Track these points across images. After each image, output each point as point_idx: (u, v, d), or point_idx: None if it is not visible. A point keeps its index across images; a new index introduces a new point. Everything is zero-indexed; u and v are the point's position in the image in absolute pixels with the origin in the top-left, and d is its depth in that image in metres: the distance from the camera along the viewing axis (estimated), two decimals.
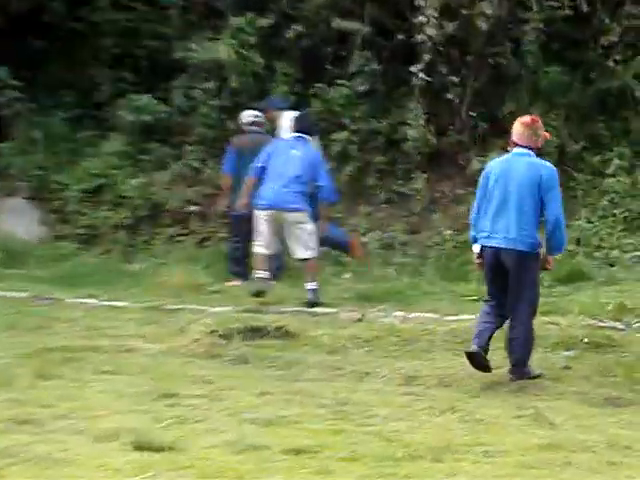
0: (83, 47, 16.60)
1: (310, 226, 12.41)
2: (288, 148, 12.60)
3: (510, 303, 9.18)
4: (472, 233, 9.46)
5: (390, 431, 7.33)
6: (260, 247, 12.47)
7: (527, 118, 9.44)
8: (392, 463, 6.54)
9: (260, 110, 14.32)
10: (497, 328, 9.29)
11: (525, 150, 9.20)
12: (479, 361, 9.06)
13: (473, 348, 9.09)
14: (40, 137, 16.10)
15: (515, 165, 9.16)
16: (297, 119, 13.08)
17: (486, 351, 9.14)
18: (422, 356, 10.05)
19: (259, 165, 12.58)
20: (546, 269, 9.56)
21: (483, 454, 6.81)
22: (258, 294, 12.27)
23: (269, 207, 12.28)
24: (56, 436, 6.95)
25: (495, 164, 9.45)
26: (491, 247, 9.19)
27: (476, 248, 9.36)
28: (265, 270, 12.38)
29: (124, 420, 7.36)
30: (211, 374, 9.12)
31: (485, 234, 9.23)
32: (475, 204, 9.42)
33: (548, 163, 9.46)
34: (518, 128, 9.30)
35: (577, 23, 15.53)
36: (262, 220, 12.35)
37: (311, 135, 12.96)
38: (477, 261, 9.54)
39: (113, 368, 9.20)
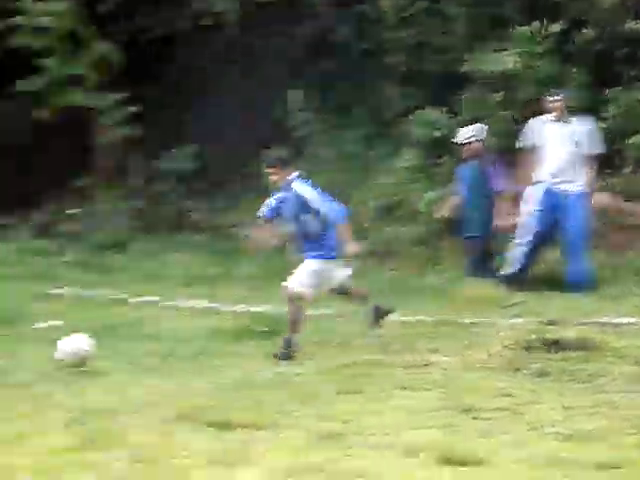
0: (372, 66, 16.77)
1: None
2: None
3: None
4: None
5: None
6: None
7: None
8: None
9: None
10: None
11: None
12: None
13: None
14: (333, 156, 16.36)
15: None
16: None
17: None
18: None
19: None
20: None
21: None
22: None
23: None
24: (361, 451, 7.03)
25: None
26: None
27: None
28: None
29: (426, 435, 7.37)
30: (510, 387, 9.00)
31: None
32: None
33: None
34: None
35: None
36: None
37: None
38: None
39: (411, 383, 9.21)
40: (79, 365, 9.74)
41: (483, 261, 13.88)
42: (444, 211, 14.13)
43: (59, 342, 9.86)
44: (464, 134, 13.43)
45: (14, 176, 17.31)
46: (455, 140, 13.68)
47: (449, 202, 13.92)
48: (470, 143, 13.42)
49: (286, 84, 16.43)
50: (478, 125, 13.63)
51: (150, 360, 10.46)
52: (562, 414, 8.08)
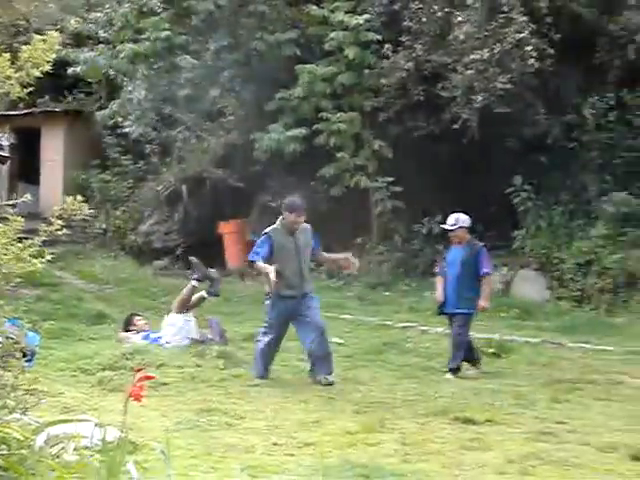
0: (575, 159, 16.35)
1: None
2: None
3: None
4: None
5: None
6: None
7: None
8: None
9: None
10: None
11: None
12: None
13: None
14: (544, 225, 16.04)
15: None
16: None
17: None
18: None
19: None
20: None
21: None
22: None
23: None
24: (570, 445, 6.83)
25: None
26: None
27: None
28: None
29: (620, 436, 7.09)
30: None
31: None
32: None
33: None
34: None
35: None
36: None
37: None
38: None
39: (606, 396, 8.91)
40: None
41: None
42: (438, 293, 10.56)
43: None
44: (450, 222, 10.39)
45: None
46: (444, 226, 10.68)
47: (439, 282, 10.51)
48: (454, 230, 10.33)
49: (511, 171, 16.24)
50: (462, 215, 10.41)
51: (408, 369, 10.43)
52: None
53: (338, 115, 17.22)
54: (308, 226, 9.70)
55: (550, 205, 16.22)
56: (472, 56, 15.67)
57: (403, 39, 17.03)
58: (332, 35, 17.36)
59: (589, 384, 9.48)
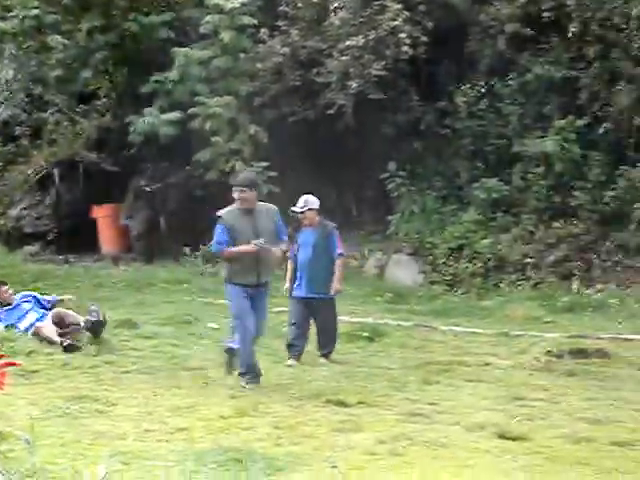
0: (448, 146, 16.72)
1: None
2: None
3: None
4: None
5: None
6: None
7: None
8: None
9: None
10: None
11: None
12: None
13: None
14: (418, 210, 16.34)
15: None
16: None
17: None
18: None
19: None
20: None
21: None
22: None
23: None
24: (439, 426, 7.00)
25: None
26: None
27: None
28: None
29: (488, 416, 7.31)
30: (548, 384, 8.89)
31: None
32: None
33: None
34: None
35: None
36: None
37: None
38: None
39: (476, 377, 9.15)
40: None
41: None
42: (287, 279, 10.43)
43: None
44: (299, 204, 10.07)
45: (189, 219, 17.48)
46: (293, 209, 10.13)
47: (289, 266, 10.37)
48: (304, 212, 10.05)
49: (386, 157, 16.50)
50: (311, 197, 10.17)
51: (283, 353, 10.40)
52: (587, 404, 7.96)
53: (214, 100, 17.09)
54: (274, 208, 8.84)
55: (423, 191, 16.53)
56: (347, 42, 15.81)
57: (279, 24, 17.04)
58: (207, 18, 17.19)
59: (459, 366, 9.72)
